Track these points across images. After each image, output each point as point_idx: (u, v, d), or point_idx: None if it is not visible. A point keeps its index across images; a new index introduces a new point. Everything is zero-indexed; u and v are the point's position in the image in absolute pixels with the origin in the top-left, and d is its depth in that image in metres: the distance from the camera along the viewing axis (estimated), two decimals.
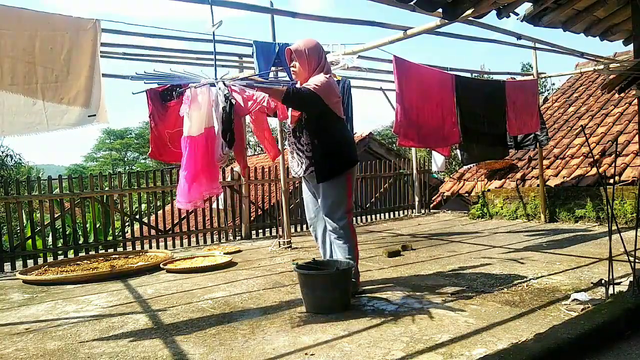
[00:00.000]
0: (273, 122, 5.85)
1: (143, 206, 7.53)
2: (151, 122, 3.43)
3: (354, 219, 8.45)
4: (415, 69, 4.80)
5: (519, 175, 7.99)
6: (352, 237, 3.48)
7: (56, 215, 5.89)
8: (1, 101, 2.71)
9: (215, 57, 4.30)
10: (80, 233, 6.41)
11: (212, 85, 3.70)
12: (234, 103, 3.63)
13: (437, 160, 8.66)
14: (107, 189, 6.20)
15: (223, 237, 7.03)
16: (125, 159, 41.03)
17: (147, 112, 3.55)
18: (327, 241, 3.63)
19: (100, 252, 6.06)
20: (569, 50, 6.15)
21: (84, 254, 5.90)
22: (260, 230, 7.41)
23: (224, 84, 3.41)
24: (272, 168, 7.68)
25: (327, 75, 3.37)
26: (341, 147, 3.42)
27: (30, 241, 5.88)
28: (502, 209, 7.74)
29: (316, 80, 3.28)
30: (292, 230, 7.00)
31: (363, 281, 3.91)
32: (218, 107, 3.83)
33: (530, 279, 3.74)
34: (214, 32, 3.95)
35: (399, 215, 9.05)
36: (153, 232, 6.55)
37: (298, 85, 3.40)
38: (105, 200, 6.22)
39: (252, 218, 7.37)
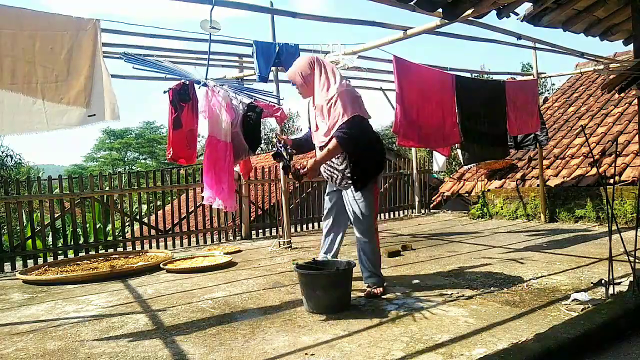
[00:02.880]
0: (273, 123, 5.85)
1: (143, 206, 7.53)
2: (174, 125, 3.39)
3: None
4: (415, 69, 4.80)
5: (519, 175, 7.99)
6: (377, 240, 3.61)
7: (56, 215, 5.89)
8: (0, 100, 2.71)
9: (209, 57, 4.33)
10: (80, 233, 6.41)
11: (204, 85, 3.75)
12: (262, 110, 3.80)
13: (439, 160, 8.66)
14: (107, 189, 6.20)
15: (223, 237, 7.03)
16: (125, 159, 41.04)
17: (169, 115, 3.51)
18: (336, 242, 3.71)
19: (100, 252, 6.06)
20: (569, 50, 6.14)
21: (84, 254, 5.90)
22: (260, 230, 7.40)
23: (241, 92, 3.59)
24: (272, 168, 7.68)
25: (341, 85, 3.25)
26: (373, 154, 3.48)
27: (30, 241, 5.87)
28: (502, 209, 7.74)
29: (342, 105, 3.19)
30: (292, 230, 7.00)
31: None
32: (236, 113, 3.93)
33: (530, 279, 3.74)
34: (210, 33, 3.98)
35: (399, 215, 9.05)
36: (153, 232, 6.55)
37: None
38: (105, 200, 6.22)
39: (252, 218, 7.37)
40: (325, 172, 3.55)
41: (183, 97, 3.43)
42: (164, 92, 3.46)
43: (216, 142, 3.77)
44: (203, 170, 3.88)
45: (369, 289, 3.49)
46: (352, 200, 3.52)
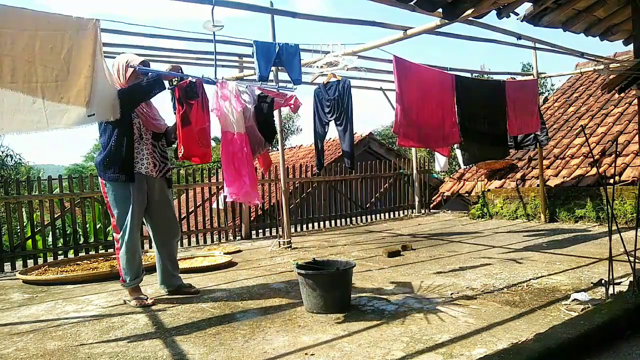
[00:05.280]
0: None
1: None
2: (182, 122, 3.36)
3: (355, 218, 8.46)
4: (415, 69, 4.80)
5: (519, 175, 7.99)
6: None
7: (56, 215, 5.88)
8: (0, 99, 2.70)
9: (215, 57, 4.32)
10: (80, 233, 6.41)
11: (212, 83, 3.75)
12: (273, 99, 3.84)
13: (440, 160, 8.64)
14: None
15: (223, 237, 7.03)
16: None
17: (177, 113, 3.49)
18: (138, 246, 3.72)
19: (100, 252, 6.06)
20: (569, 50, 6.14)
21: (84, 254, 5.89)
22: (260, 230, 7.41)
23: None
24: (272, 168, 7.67)
25: None
26: None
27: (30, 241, 5.87)
28: (502, 209, 7.74)
29: None
30: (292, 230, 7.00)
31: (363, 281, 3.92)
32: (245, 106, 3.93)
33: (531, 279, 3.75)
34: (214, 32, 3.97)
35: (399, 215, 9.05)
36: None
37: None
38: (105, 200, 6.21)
39: (252, 218, 7.37)
40: (153, 159, 3.55)
41: (190, 95, 3.41)
42: (169, 87, 3.45)
43: (231, 136, 3.76)
44: (222, 168, 3.88)
45: (192, 289, 3.79)
46: (168, 193, 3.73)
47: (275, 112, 5.65)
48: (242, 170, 3.72)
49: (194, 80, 3.45)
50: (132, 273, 3.52)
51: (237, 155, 3.74)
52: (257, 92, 4.11)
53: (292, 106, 4.51)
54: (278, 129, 5.88)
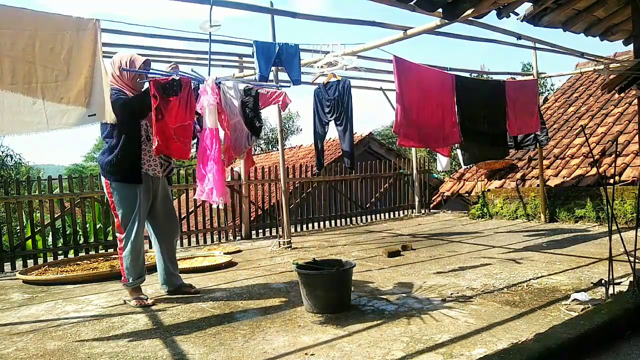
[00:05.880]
0: (273, 122, 5.86)
1: None
2: (155, 116, 3.35)
3: (355, 218, 8.46)
4: (415, 69, 4.80)
5: (519, 175, 7.99)
6: None
7: (56, 215, 5.88)
8: (0, 100, 2.70)
9: (210, 57, 4.33)
10: (80, 233, 6.40)
11: (201, 82, 3.75)
12: (259, 92, 3.85)
13: (442, 160, 8.63)
14: None
15: (223, 237, 7.03)
16: None
17: (153, 107, 3.49)
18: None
19: (100, 252, 6.05)
20: (569, 50, 6.14)
21: (84, 254, 5.89)
22: (260, 230, 7.40)
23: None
24: (272, 168, 7.68)
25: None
26: None
27: (30, 241, 5.87)
28: (502, 209, 7.74)
29: None
30: (292, 230, 7.00)
31: (363, 281, 3.92)
32: (232, 102, 3.93)
33: (531, 279, 3.75)
34: (210, 32, 3.97)
35: (399, 215, 9.05)
36: None
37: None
38: (105, 200, 6.21)
39: (252, 218, 7.37)
40: (160, 159, 3.58)
41: (168, 91, 3.38)
42: (140, 82, 3.43)
43: (204, 131, 3.76)
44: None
45: (192, 289, 3.80)
46: (169, 192, 3.75)
47: (275, 112, 5.67)
48: (207, 166, 3.70)
49: (177, 78, 3.42)
50: (136, 273, 3.51)
51: (207, 151, 3.72)
52: (242, 86, 4.09)
53: (280, 103, 4.49)
54: (278, 129, 5.89)
